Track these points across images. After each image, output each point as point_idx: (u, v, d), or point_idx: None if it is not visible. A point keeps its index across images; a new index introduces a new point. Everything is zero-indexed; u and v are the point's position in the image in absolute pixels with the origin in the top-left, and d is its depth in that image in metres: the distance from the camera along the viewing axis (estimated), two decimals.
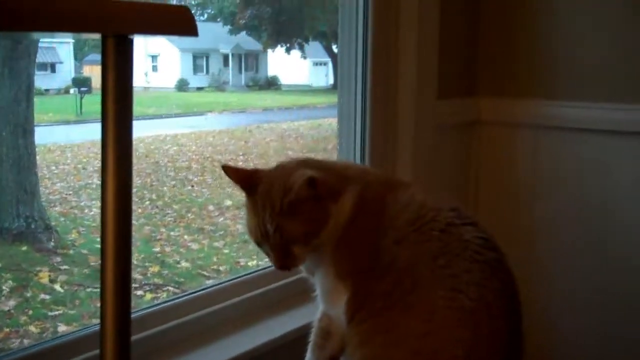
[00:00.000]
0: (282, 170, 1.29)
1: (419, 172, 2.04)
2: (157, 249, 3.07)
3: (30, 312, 2.45)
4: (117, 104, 0.71)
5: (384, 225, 1.27)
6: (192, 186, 3.50)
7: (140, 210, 3.21)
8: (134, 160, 0.79)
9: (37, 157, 2.56)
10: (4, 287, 2.52)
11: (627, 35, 2.05)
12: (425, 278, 1.21)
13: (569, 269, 2.20)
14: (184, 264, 3.00)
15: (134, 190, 0.81)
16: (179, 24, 0.74)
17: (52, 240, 2.73)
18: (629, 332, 2.11)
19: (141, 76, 3.84)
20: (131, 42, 0.74)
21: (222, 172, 1.29)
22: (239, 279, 1.81)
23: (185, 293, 1.72)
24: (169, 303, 1.63)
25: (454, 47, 2.19)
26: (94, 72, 3.24)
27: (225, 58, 3.89)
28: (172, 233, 3.21)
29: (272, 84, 3.91)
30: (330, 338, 1.34)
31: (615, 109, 2.04)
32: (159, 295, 2.74)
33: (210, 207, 3.39)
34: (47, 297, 2.54)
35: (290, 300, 1.79)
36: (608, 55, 2.07)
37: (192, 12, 0.78)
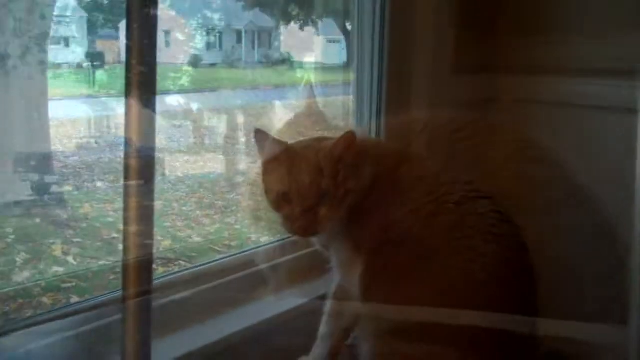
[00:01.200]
0: (311, 139, 1.33)
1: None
2: (169, 224, 3.08)
3: (43, 284, 2.46)
4: (142, 64, 0.70)
5: (400, 198, 1.28)
6: (205, 162, 3.48)
7: None
8: None
9: (50, 131, 2.56)
10: (17, 259, 2.53)
11: None
12: (440, 250, 1.22)
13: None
14: (195, 238, 3.00)
15: None
16: None
17: (65, 213, 2.73)
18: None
19: None
20: None
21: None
22: (252, 252, 1.82)
23: (201, 264, 1.74)
24: (184, 272, 1.65)
25: (471, 22, 2.18)
26: (107, 48, 3.23)
27: (239, 34, 3.85)
28: (184, 208, 3.21)
29: (285, 61, 3.87)
30: (346, 310, 1.35)
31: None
32: (170, 269, 2.75)
33: (222, 184, 3.38)
34: (60, 269, 2.56)
35: (305, 272, 1.80)
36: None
37: None
